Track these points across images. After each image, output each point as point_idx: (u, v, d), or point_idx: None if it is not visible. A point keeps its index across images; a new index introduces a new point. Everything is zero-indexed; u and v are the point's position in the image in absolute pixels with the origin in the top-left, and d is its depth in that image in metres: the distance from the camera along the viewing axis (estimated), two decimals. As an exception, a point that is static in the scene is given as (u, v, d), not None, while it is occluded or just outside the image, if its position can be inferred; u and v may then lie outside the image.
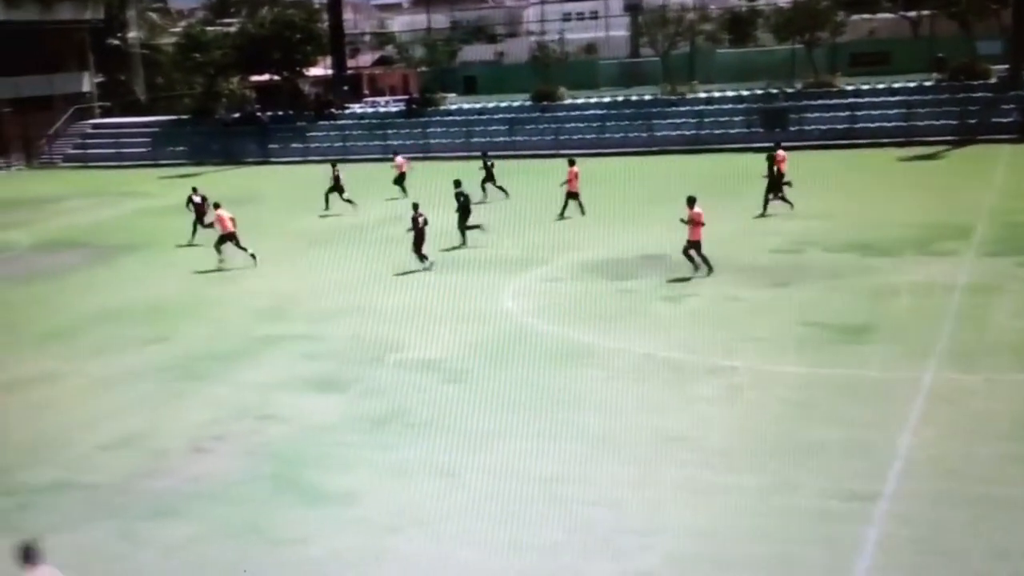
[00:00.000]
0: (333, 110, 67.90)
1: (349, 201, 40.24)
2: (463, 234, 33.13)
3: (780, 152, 36.47)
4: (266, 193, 47.49)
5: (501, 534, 13.74)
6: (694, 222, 26.74)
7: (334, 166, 42.22)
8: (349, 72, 77.69)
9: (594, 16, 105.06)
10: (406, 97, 73.13)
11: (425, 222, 29.71)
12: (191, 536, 14.32)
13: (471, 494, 15.12)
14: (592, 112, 61.46)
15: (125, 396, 20.37)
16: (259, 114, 69.28)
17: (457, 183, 33.81)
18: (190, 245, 34.73)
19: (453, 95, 73.31)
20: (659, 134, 57.47)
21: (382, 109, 69.93)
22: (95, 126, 72.99)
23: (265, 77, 71.97)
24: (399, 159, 45.09)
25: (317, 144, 64.00)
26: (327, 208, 40.58)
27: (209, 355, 22.89)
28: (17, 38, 68.93)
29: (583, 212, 36.54)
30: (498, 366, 21.12)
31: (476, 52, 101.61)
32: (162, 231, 38.53)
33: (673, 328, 22.94)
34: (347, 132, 64.40)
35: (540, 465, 15.91)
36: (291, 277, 30.10)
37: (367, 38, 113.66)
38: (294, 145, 64.65)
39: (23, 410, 19.96)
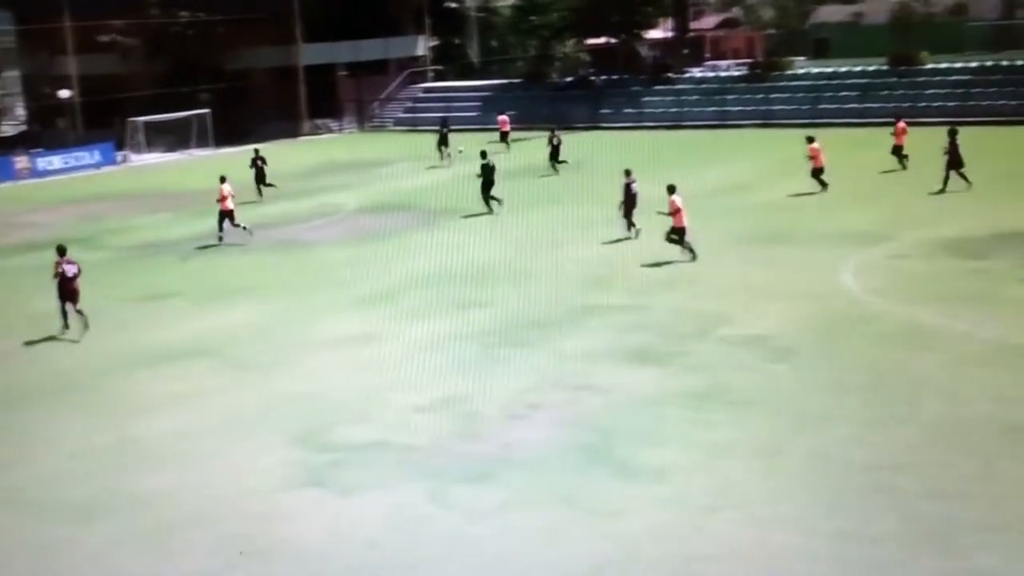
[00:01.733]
0: (670, 74, 68.04)
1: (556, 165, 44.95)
2: (487, 203, 36.38)
3: None
4: (593, 158, 48.11)
5: (822, 521, 13.55)
6: (673, 211, 27.80)
7: (553, 132, 46.71)
8: (691, 34, 77.58)
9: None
10: (749, 61, 72.36)
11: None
12: (501, 502, 14.83)
13: (792, 477, 14.97)
14: (956, 78, 58.92)
15: (444, 359, 21.24)
16: (592, 78, 70.26)
17: (483, 154, 37.65)
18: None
19: (801, 58, 71.99)
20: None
21: (723, 73, 69.50)
22: (426, 90, 76.13)
23: (601, 40, 72.90)
24: (502, 118, 53.29)
25: (651, 109, 64.38)
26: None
27: (529, 322, 23.54)
28: (360, 1, 72.64)
29: (823, 187, 36.74)
30: (831, 345, 20.74)
31: (830, 13, 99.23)
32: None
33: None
34: (683, 97, 64.41)
35: (869, 452, 15.56)
36: (618, 245, 30.45)
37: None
38: (626, 110, 65.25)
39: (346, 369, 21.20)
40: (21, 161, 57.12)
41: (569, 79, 71.37)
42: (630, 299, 24.90)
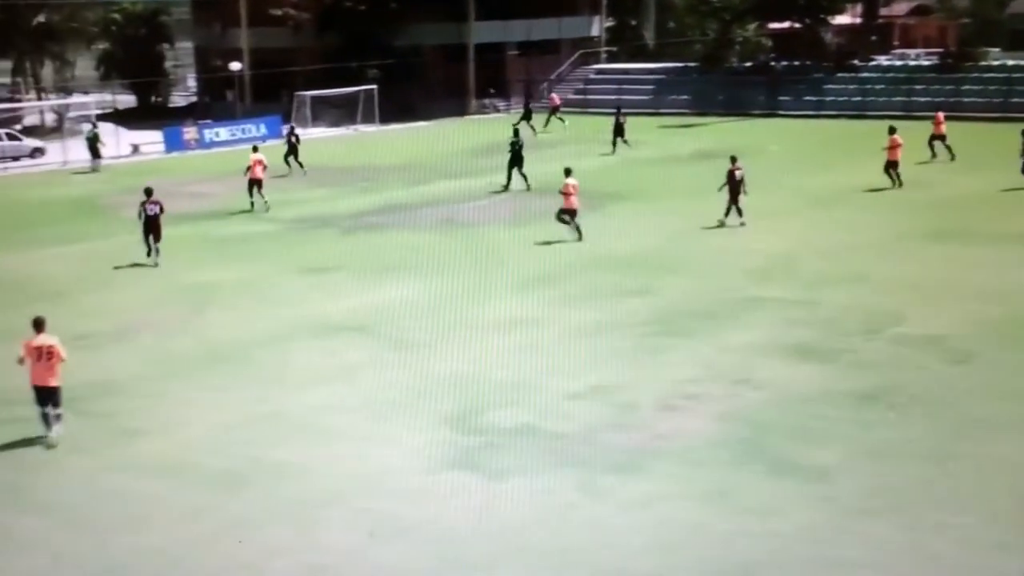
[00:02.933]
0: (856, 61, 66.82)
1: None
2: (524, 179, 39.34)
3: None
4: (769, 147, 47.68)
5: (983, 532, 13.31)
6: (566, 193, 30.70)
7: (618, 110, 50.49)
8: (879, 20, 76.04)
9: None
10: (940, 50, 70.64)
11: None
12: (652, 494, 14.89)
13: (955, 485, 14.74)
14: None
15: (600, 346, 21.36)
16: (772, 64, 69.41)
17: (515, 132, 41.05)
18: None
19: (996, 50, 70.02)
20: None
21: (911, 62, 68.00)
22: (598, 71, 76.18)
23: (784, 24, 71.95)
24: (553, 95, 58.17)
25: (833, 97, 63.41)
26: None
27: (691, 312, 23.52)
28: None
29: (896, 184, 36.52)
30: (1014, 351, 20.20)
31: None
32: (654, 181, 39.77)
33: None
34: (867, 86, 63.27)
35: (1047, 463, 15.19)
36: (785, 237, 30.18)
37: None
38: (807, 98, 64.31)
39: (501, 352, 21.41)
40: (189, 132, 59.04)
41: (748, 64, 70.60)
42: (796, 292, 24.66)
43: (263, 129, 61.16)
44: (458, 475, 15.67)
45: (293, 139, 46.14)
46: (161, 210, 29.52)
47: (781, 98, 65.10)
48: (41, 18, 76.94)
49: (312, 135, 61.75)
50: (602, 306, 24.14)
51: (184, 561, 13.52)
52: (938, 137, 42.43)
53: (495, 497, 14.99)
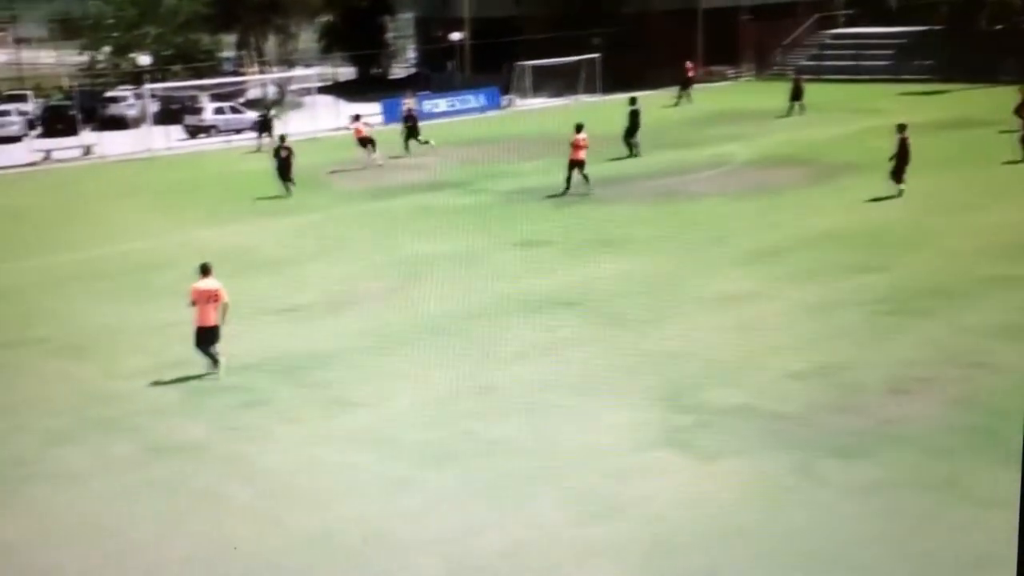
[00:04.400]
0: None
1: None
2: (630, 148, 41.17)
3: None
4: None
5: None
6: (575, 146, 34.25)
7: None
8: None
9: None
10: None
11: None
12: (877, 481, 14.59)
13: None
14: None
15: (827, 325, 20.99)
16: (1025, 25, 66.69)
17: (632, 100, 42.41)
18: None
19: None
20: None
21: None
22: (835, 36, 74.46)
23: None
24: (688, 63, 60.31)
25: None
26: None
27: (927, 290, 22.84)
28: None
29: None
30: None
31: None
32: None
33: None
34: None
35: None
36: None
37: None
38: (1067, 63, 61.52)
39: (721, 329, 21.23)
40: (408, 103, 60.19)
41: (999, 27, 67.91)
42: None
43: (482, 100, 61.93)
44: (669, 455, 15.65)
45: (410, 122, 46.37)
46: (291, 153, 37.34)
47: (1036, 64, 62.44)
48: (267, -9, 79.50)
49: (532, 105, 62.27)
50: (829, 282, 23.68)
51: (391, 532, 13.87)
52: None
53: (708, 478, 14.92)
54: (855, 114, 49.42)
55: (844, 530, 13.36)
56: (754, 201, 32.74)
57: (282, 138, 39.44)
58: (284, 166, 37.58)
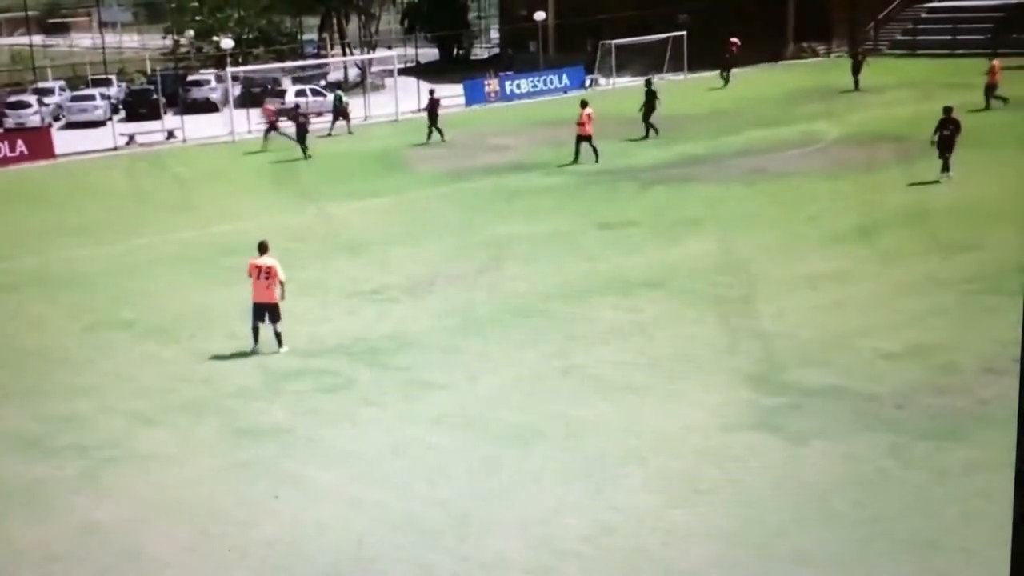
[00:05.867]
0: None
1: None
2: (647, 128, 41.75)
3: None
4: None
5: None
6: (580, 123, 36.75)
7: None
8: None
9: None
10: None
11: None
12: (972, 463, 14.41)
13: None
14: None
15: (919, 304, 20.76)
16: None
17: (648, 83, 43.37)
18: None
19: None
20: None
21: None
22: (930, 10, 73.23)
23: None
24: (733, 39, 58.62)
25: None
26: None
27: (1022, 268, 22.46)
28: None
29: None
30: None
31: None
32: (992, 129, 38.03)
33: None
34: None
35: None
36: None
37: None
38: None
39: (812, 308, 21.10)
40: (490, 84, 60.29)
41: None
42: None
43: (565, 80, 61.81)
44: (758, 436, 15.57)
45: (433, 107, 45.89)
46: (307, 119, 43.45)
47: None
48: (350, -28, 79.97)
49: (616, 85, 62.06)
50: (924, 261, 23.42)
51: (478, 514, 13.94)
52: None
53: (798, 460, 14.85)
54: (949, 89, 48.59)
55: (937, 514, 13.24)
56: (844, 179, 32.42)
57: (296, 107, 46.42)
58: (301, 133, 42.56)
